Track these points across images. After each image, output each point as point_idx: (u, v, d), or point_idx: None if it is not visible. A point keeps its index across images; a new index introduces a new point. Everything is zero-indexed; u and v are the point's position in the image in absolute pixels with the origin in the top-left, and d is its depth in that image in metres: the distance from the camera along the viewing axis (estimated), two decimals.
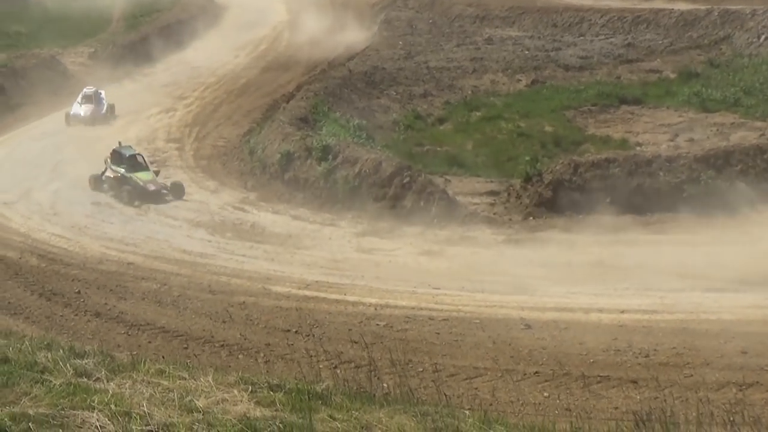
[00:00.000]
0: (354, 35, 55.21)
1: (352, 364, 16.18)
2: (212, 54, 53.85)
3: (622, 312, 19.01)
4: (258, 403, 8.66)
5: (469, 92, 42.40)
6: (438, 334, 18.27)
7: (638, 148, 31.55)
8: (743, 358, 16.44)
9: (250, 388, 9.05)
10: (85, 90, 40.73)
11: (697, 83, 41.30)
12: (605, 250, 23.46)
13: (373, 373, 13.14)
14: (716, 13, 53.67)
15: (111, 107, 40.44)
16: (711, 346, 16.95)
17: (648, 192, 26.17)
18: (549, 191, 26.76)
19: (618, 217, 25.54)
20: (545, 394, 15.31)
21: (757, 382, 15.27)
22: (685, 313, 18.65)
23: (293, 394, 9.00)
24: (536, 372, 16.19)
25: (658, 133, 34.51)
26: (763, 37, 49.82)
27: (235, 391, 8.94)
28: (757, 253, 21.99)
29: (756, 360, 16.32)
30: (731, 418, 9.44)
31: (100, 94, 40.76)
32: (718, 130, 33.72)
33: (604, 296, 20.28)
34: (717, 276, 21.13)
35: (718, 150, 27.36)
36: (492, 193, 28.75)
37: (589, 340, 17.58)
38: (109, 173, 30.21)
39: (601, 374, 16.02)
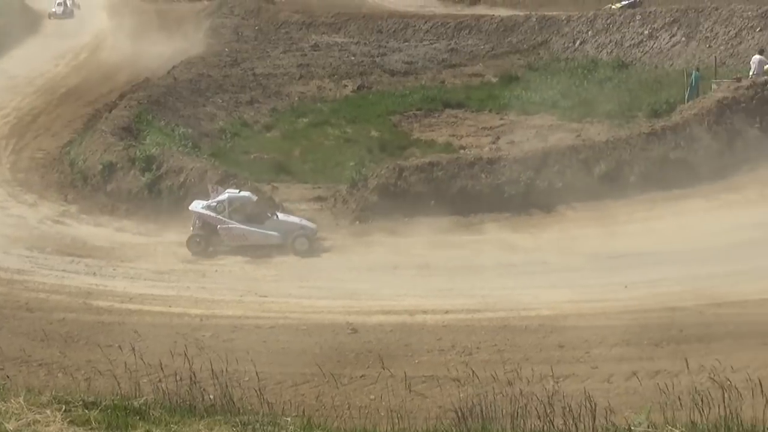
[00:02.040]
0: (179, 43, 54.07)
1: (176, 377, 15.77)
2: (30, 63, 51.62)
3: (446, 312, 19.38)
4: (72, 422, 8.30)
5: (296, 99, 42.30)
6: (265, 342, 18.15)
7: (462, 151, 32.18)
8: (560, 352, 17.07)
9: (64, 407, 8.62)
10: None
11: (518, 87, 42.53)
12: (431, 252, 23.84)
13: (196, 384, 12.85)
14: (534, 19, 55.57)
15: None
16: (530, 342, 17.52)
17: (471, 194, 26.73)
18: (375, 196, 26.96)
19: (442, 219, 25.96)
20: (371, 396, 15.41)
21: (573, 374, 15.85)
22: (506, 311, 19.19)
23: (110, 411, 8.65)
24: (362, 375, 16.29)
25: (481, 135, 35.32)
26: (578, 42, 51.93)
27: (48, 412, 8.52)
28: (572, 250, 22.87)
29: (572, 353, 16.99)
30: (546, 410, 9.67)
31: None
32: (537, 132, 34.76)
33: (429, 298, 20.58)
34: (536, 273, 21.87)
35: (536, 151, 28.22)
36: (319, 199, 28.69)
37: (415, 342, 17.84)
38: None
39: (425, 374, 16.25)
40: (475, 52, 51.93)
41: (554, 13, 55.58)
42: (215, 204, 25.36)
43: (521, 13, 58.03)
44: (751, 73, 34.22)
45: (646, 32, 49.65)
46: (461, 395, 14.89)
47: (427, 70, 48.00)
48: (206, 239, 25.23)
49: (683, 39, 47.96)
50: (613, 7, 56.27)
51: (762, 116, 30.52)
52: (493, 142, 33.93)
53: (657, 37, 49.04)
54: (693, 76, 35.31)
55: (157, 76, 44.24)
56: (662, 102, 35.25)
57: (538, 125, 35.85)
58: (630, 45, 49.53)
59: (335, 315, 19.51)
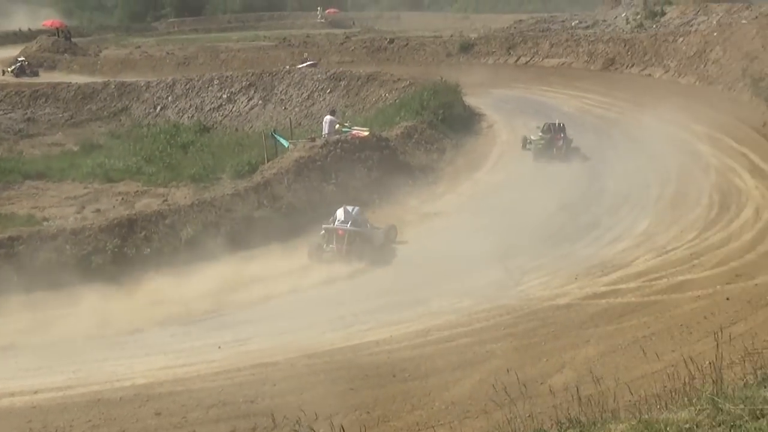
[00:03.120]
0: None
1: None
2: None
3: (36, 393, 18.47)
4: None
5: None
6: None
7: (45, 223, 30.94)
8: (157, 420, 16.94)
9: None
10: None
11: (100, 154, 41.90)
12: (16, 331, 22.60)
13: None
14: (113, 86, 55.26)
15: None
16: (126, 413, 17.20)
17: (56, 266, 25.75)
18: None
19: (30, 296, 24.75)
20: None
21: None
22: (100, 384, 18.66)
23: None
24: None
25: (65, 206, 34.21)
26: (159, 107, 52.36)
27: None
28: (163, 315, 22.83)
29: (169, 419, 16.92)
30: None
31: None
32: (123, 199, 34.43)
33: (16, 379, 19.46)
34: (129, 342, 21.56)
35: (122, 218, 27.87)
36: None
37: (3, 428, 16.82)
38: None
39: None
40: (53, 120, 50.56)
41: (133, 79, 55.58)
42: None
43: (99, 80, 57.39)
44: (324, 133, 36.58)
45: (225, 96, 51.32)
46: None
47: (2, 141, 45.86)
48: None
49: (260, 102, 50.24)
50: (299, 67, 57.59)
51: (336, 173, 32.67)
52: (79, 212, 33.02)
53: (235, 101, 50.91)
54: (271, 136, 36.97)
55: None
56: (244, 163, 36.48)
57: (124, 192, 35.53)
58: (210, 109, 50.91)
59: None
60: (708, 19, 61.10)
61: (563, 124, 38.61)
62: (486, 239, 26.02)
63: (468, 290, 23.21)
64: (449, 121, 41.91)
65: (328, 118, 37.93)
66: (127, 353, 20.71)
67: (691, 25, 61.12)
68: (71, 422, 16.83)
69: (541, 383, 16.96)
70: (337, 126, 37.33)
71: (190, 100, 52.35)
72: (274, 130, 38.85)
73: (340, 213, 27.12)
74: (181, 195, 33.53)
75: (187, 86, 53.39)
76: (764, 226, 27.15)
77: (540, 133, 37.95)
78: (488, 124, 44.60)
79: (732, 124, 38.16)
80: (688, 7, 66.02)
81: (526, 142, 38.72)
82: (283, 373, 19.00)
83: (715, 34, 55.16)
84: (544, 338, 20.01)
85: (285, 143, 36.16)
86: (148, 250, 26.71)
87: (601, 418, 8.64)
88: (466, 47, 70.18)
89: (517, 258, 25.20)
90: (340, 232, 26.65)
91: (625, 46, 60.91)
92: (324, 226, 27.15)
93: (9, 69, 70.97)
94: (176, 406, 17.49)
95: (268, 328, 21.63)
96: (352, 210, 27.25)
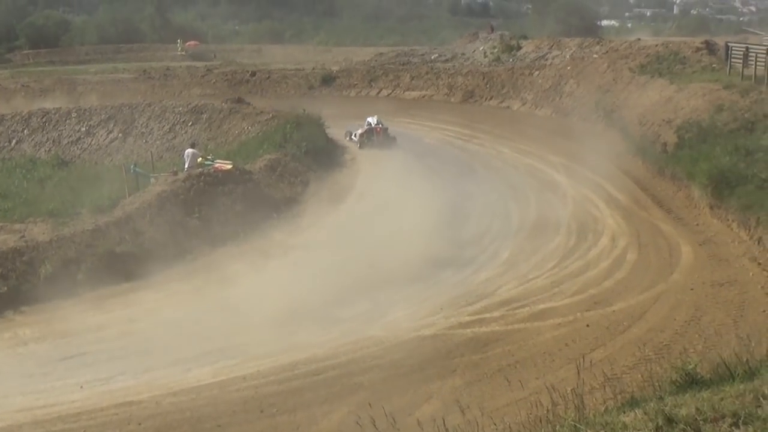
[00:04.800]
0: None
1: None
2: None
3: None
4: None
5: None
6: None
7: None
8: None
9: None
10: None
11: None
12: None
13: None
14: None
15: None
16: None
17: None
18: None
19: None
20: None
21: None
22: None
23: None
24: None
25: None
26: (14, 140, 50.87)
27: None
28: (23, 354, 22.19)
29: None
30: None
31: None
32: None
33: None
34: None
35: None
36: None
37: None
38: None
39: None
40: None
41: None
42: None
43: None
44: (186, 166, 36.29)
45: (84, 129, 50.35)
46: None
47: None
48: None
49: (120, 135, 49.47)
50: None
51: (200, 207, 32.42)
52: None
53: (95, 134, 50.01)
54: (132, 170, 36.45)
55: None
56: (105, 197, 35.78)
57: None
58: (68, 142, 49.84)
59: None
60: (561, 53, 63.48)
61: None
62: (352, 271, 26.24)
63: (335, 322, 23.39)
64: (312, 153, 42.21)
65: (189, 151, 37.70)
66: None
67: (546, 59, 63.32)
68: None
69: (409, 414, 17.22)
70: (200, 159, 37.12)
71: (47, 133, 51.09)
72: (135, 165, 38.32)
73: (371, 119, 47.40)
74: (39, 231, 32.57)
75: (44, 119, 52.12)
76: (620, 253, 28.38)
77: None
78: (351, 157, 45.09)
79: (587, 155, 39.75)
80: (542, 42, 68.42)
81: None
82: (148, 412, 18.75)
83: (568, 68, 57.48)
84: (411, 369, 20.35)
85: (148, 175, 35.74)
86: (5, 288, 25.91)
87: None
88: (328, 80, 70.88)
89: (384, 289, 25.50)
90: (378, 129, 46.74)
91: (483, 79, 62.71)
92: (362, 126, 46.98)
93: None
94: None
95: (134, 365, 21.26)
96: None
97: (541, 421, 10.87)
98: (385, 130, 47.30)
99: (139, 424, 18.15)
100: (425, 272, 27.23)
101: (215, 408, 18.74)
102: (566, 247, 29.49)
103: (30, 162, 46.56)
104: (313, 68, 75.54)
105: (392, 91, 67.22)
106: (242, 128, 48.09)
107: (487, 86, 61.71)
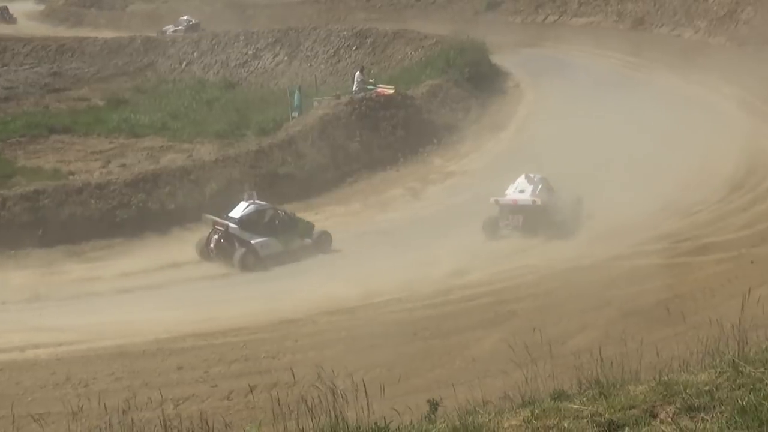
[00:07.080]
0: None
1: None
2: None
3: (60, 345, 18.60)
4: None
5: None
6: None
7: (71, 177, 31.11)
8: (179, 374, 17.01)
9: None
10: None
11: (126, 109, 42.06)
12: (40, 285, 22.78)
13: None
14: (139, 41, 55.12)
15: None
16: (149, 367, 17.29)
17: (80, 221, 25.91)
18: None
19: (53, 249, 24.97)
20: None
21: (193, 395, 15.87)
22: (123, 338, 18.74)
23: None
24: None
25: (90, 160, 34.39)
26: (184, 63, 52.23)
27: None
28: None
29: (191, 373, 16.97)
30: None
31: None
32: (148, 154, 34.56)
33: (41, 332, 19.60)
34: (152, 296, 21.68)
35: (147, 173, 27.98)
36: None
37: (26, 379, 16.97)
38: None
39: (40, 411, 15.46)
40: (79, 75, 50.64)
41: (156, 35, 55.57)
42: None
43: (126, 35, 57.25)
44: (353, 89, 36.37)
45: (251, 52, 51.11)
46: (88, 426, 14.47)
47: (29, 95, 46.17)
48: None
49: (286, 58, 49.97)
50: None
51: (361, 131, 32.55)
52: (104, 167, 33.19)
53: (261, 57, 50.67)
54: (295, 94, 36.85)
55: None
56: (269, 120, 36.41)
57: (149, 147, 35.64)
58: (236, 65, 50.73)
59: None
60: None
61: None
62: None
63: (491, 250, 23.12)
64: (475, 79, 41.51)
65: (358, 74, 37.78)
66: (149, 307, 20.91)
67: None
68: (95, 374, 16.89)
69: (563, 343, 16.82)
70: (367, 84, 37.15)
71: (215, 55, 52.20)
72: (299, 87, 38.71)
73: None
74: (206, 151, 33.56)
75: (213, 42, 53.24)
76: None
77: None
78: (514, 83, 44.12)
79: (762, 86, 37.45)
80: None
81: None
82: (306, 330, 19.04)
83: None
84: (566, 299, 19.87)
85: (296, 102, 36.09)
86: (173, 205, 26.80)
87: (622, 379, 8.56)
88: (493, 5, 69.39)
89: None
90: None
91: (654, 5, 59.96)
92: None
93: None
94: (198, 360, 17.55)
95: (291, 284, 21.65)
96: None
97: (701, 355, 10.36)
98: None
99: (296, 341, 18.44)
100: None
101: (370, 329, 18.81)
102: (734, 179, 27.90)
103: (199, 83, 47.83)
104: None
105: (559, 17, 65.20)
106: (405, 53, 47.79)
107: (658, 12, 58.96)
